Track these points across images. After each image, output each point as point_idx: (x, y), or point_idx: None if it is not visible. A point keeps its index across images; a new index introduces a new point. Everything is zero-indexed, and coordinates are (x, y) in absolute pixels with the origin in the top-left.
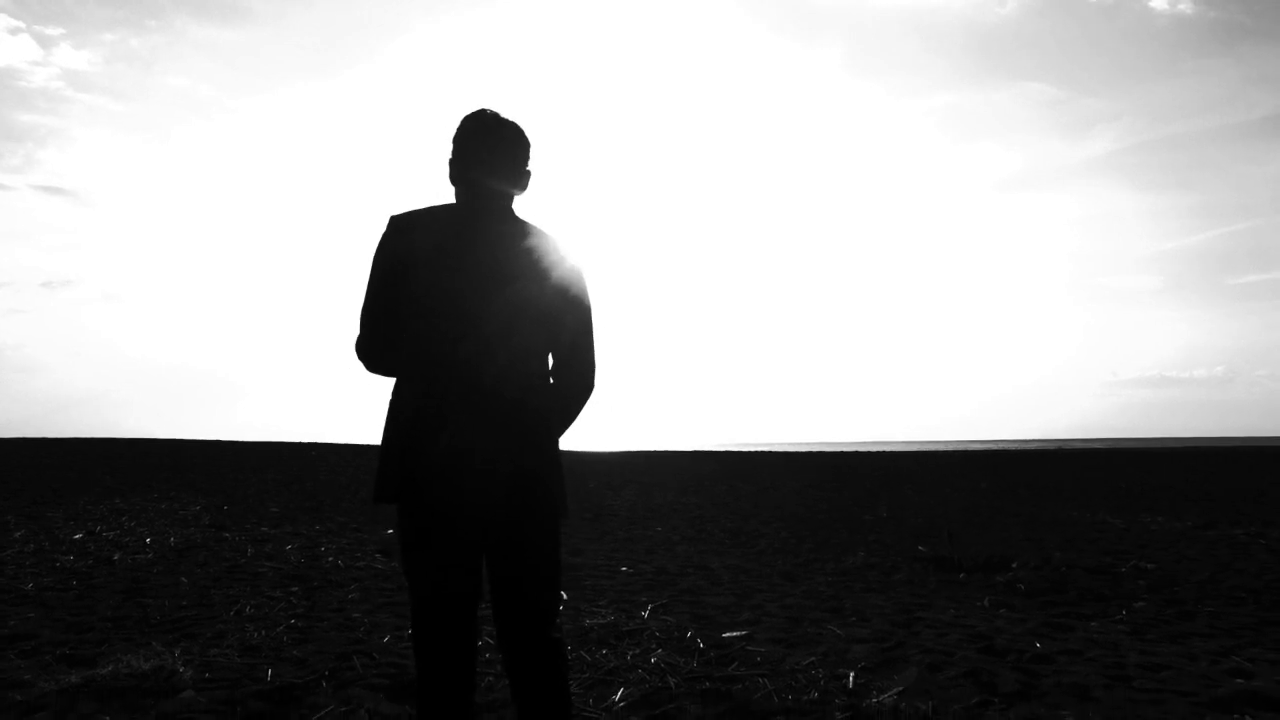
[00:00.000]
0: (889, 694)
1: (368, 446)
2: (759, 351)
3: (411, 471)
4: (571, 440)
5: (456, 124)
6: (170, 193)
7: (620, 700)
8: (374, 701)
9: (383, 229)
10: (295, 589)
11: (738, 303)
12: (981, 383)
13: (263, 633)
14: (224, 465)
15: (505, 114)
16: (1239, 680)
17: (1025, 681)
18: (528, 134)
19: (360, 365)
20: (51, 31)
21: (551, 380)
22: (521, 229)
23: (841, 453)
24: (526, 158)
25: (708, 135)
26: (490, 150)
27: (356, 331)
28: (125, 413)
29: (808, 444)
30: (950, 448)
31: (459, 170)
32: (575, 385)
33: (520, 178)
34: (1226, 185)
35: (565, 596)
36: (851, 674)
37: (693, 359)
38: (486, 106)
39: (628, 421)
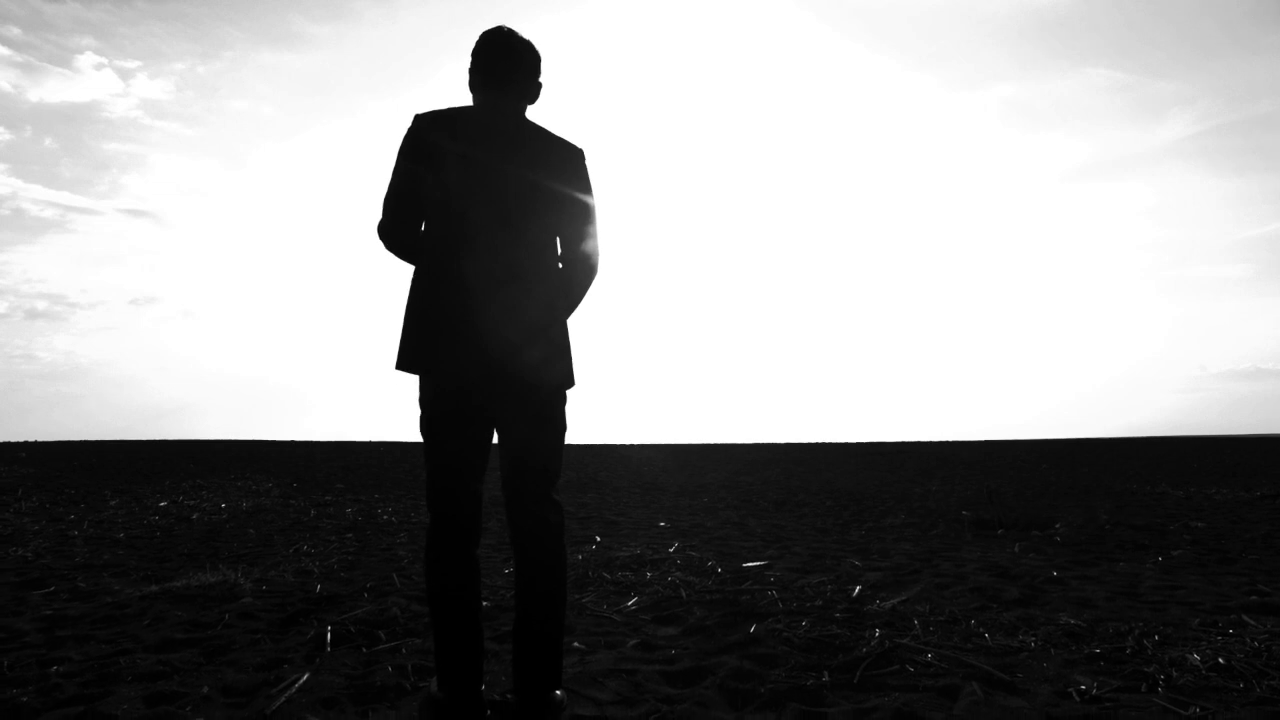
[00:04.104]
0: (890, 601)
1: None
2: (831, 347)
3: (430, 346)
4: (634, 433)
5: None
6: (238, 212)
7: (633, 605)
8: (405, 603)
9: (408, 124)
10: (350, 535)
11: (810, 298)
12: (1059, 381)
13: (316, 564)
14: (296, 456)
15: (521, 32)
16: (1252, 597)
17: (1029, 595)
18: (538, 50)
19: (382, 246)
20: (130, 65)
21: (560, 265)
22: (533, 129)
23: (906, 442)
24: (538, 70)
25: (765, 132)
26: (505, 62)
27: (379, 217)
28: (205, 423)
29: (881, 439)
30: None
31: (477, 80)
32: (581, 269)
33: (532, 87)
34: None
35: (598, 539)
36: (858, 588)
37: (762, 353)
38: (503, 25)
39: (693, 414)
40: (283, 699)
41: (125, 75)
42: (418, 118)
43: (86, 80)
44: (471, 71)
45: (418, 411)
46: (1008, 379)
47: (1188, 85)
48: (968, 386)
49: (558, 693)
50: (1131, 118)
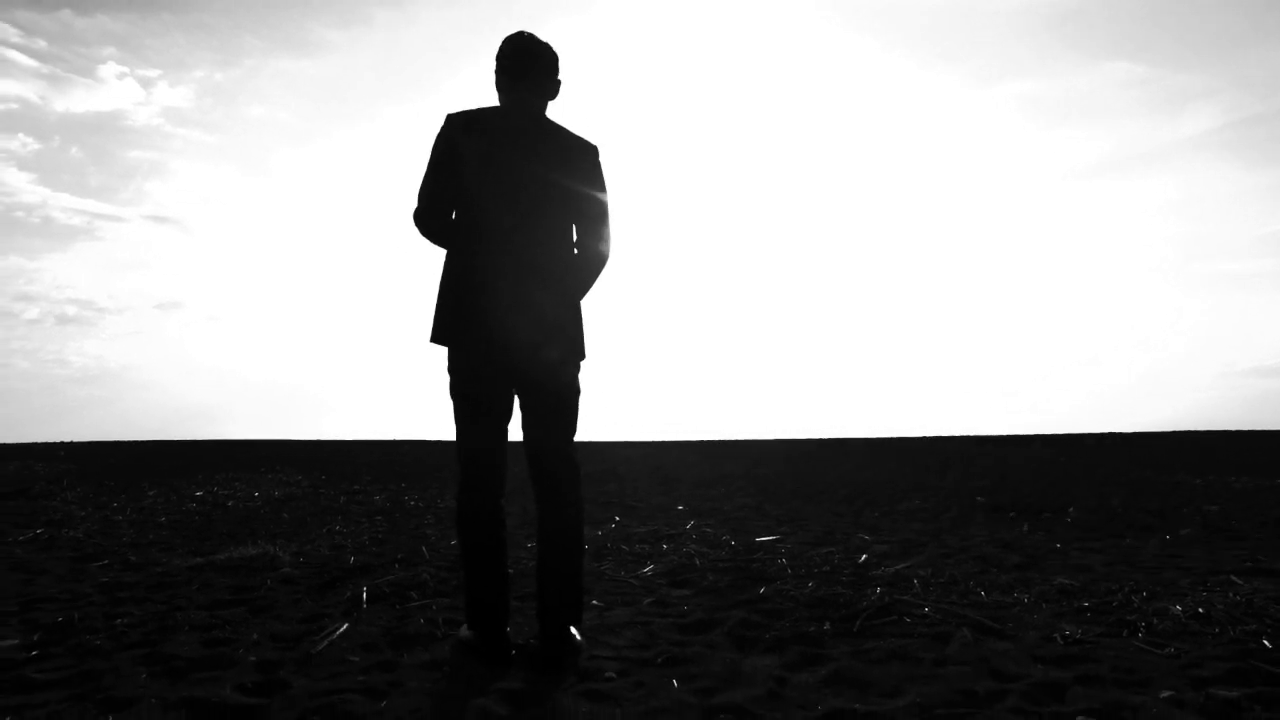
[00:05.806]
0: (895, 567)
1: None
2: (847, 343)
3: (461, 320)
4: (649, 429)
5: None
6: (258, 217)
7: (649, 571)
8: (435, 571)
9: (440, 124)
10: (379, 518)
11: (827, 295)
12: (1082, 377)
13: (349, 540)
14: (322, 452)
15: (541, 37)
16: (1247, 564)
17: (1029, 562)
18: (557, 51)
19: (417, 232)
20: (151, 73)
21: (575, 250)
22: (551, 126)
23: (925, 437)
24: (556, 69)
25: (779, 128)
26: (527, 64)
27: (415, 205)
28: (230, 425)
29: (900, 434)
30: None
31: (502, 80)
32: (595, 255)
33: (551, 84)
34: None
35: (617, 519)
36: (865, 556)
37: (776, 349)
38: (524, 29)
39: (707, 410)
40: (325, 643)
41: (146, 84)
42: (449, 117)
43: (109, 89)
44: (497, 73)
45: (447, 379)
46: (1028, 374)
47: (1211, 78)
48: (989, 382)
49: (577, 636)
50: (1152, 112)
